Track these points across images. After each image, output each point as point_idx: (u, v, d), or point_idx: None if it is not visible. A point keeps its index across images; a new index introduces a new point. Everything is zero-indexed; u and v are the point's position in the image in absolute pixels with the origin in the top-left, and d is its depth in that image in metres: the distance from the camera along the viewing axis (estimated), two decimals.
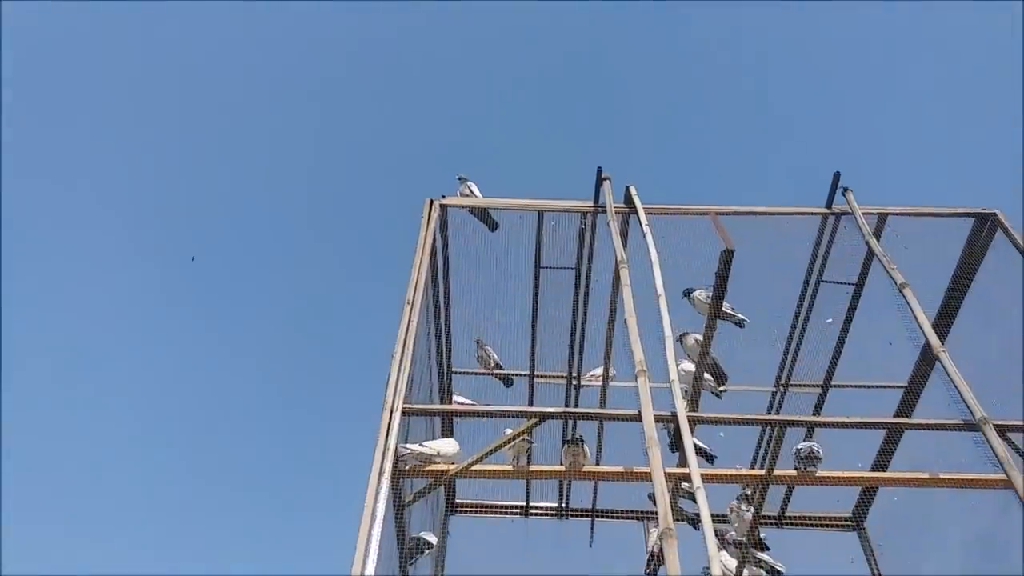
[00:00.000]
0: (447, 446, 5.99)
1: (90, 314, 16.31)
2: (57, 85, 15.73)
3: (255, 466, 16.84)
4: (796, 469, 6.35)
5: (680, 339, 7.34)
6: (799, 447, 6.37)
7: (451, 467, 5.91)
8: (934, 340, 6.28)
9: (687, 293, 7.38)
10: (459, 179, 7.82)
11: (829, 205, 7.54)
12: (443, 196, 7.54)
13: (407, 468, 5.75)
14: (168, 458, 16.16)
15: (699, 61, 18.13)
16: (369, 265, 17.62)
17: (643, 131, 18.30)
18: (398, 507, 5.68)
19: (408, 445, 5.78)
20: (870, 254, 7.30)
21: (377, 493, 4.99)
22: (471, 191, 7.75)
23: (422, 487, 5.98)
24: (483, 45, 18.09)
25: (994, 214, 7.24)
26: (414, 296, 6.45)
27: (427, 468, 5.86)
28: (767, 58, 17.61)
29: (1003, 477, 5.34)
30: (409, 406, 5.77)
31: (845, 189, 7.50)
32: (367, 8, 17.17)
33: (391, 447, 5.29)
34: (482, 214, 7.68)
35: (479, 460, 5.91)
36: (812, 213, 7.57)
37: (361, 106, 18.08)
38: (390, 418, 5.48)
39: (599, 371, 8.26)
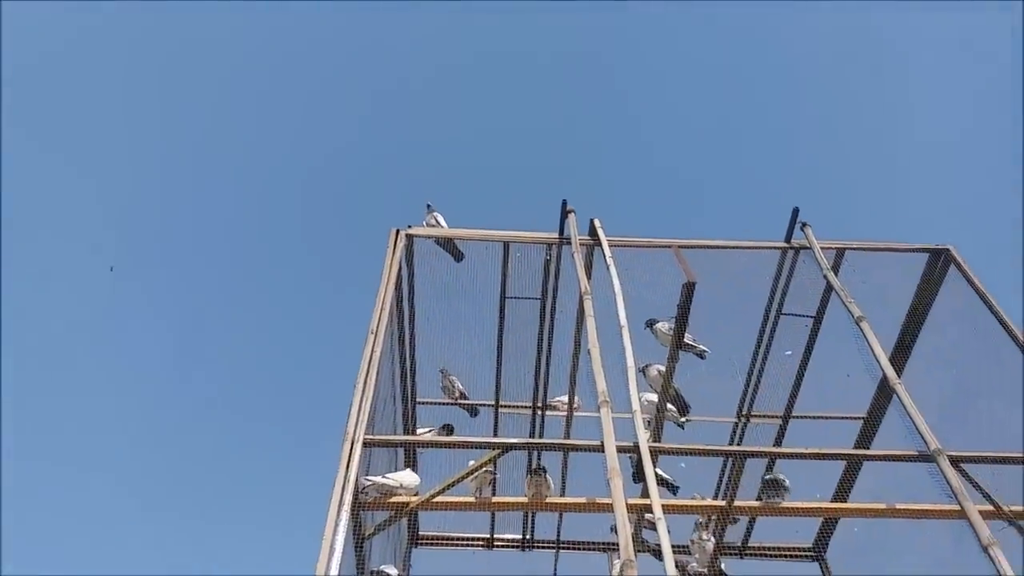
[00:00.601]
0: (409, 478, 5.95)
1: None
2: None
3: (222, 487, 16.57)
4: (760, 497, 6.40)
5: (643, 370, 7.40)
6: (765, 476, 6.43)
7: (413, 499, 5.86)
8: (890, 373, 6.40)
9: (650, 324, 7.46)
10: (427, 206, 7.86)
11: (788, 240, 7.69)
12: (409, 226, 7.56)
13: (369, 500, 5.69)
14: (129, 480, 15.85)
15: (660, 96, 18.51)
16: (335, 292, 17.57)
17: (607, 165, 18.58)
18: (358, 539, 5.61)
19: (370, 477, 5.73)
20: (828, 288, 7.45)
21: (336, 525, 4.94)
22: (437, 221, 7.79)
23: (383, 519, 5.92)
24: (451, 78, 18.29)
25: (947, 250, 7.43)
26: (378, 326, 6.44)
27: (389, 500, 5.80)
28: (727, 94, 18.03)
29: (957, 508, 5.44)
30: (371, 437, 5.73)
31: (803, 224, 7.66)
32: (338, 38, 17.36)
33: (351, 479, 5.23)
34: (448, 244, 7.71)
35: (442, 492, 5.87)
36: (772, 247, 7.72)
37: (328, 135, 18.16)
38: (351, 449, 5.44)
39: (565, 397, 8.29)
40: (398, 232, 7.43)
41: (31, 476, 14.56)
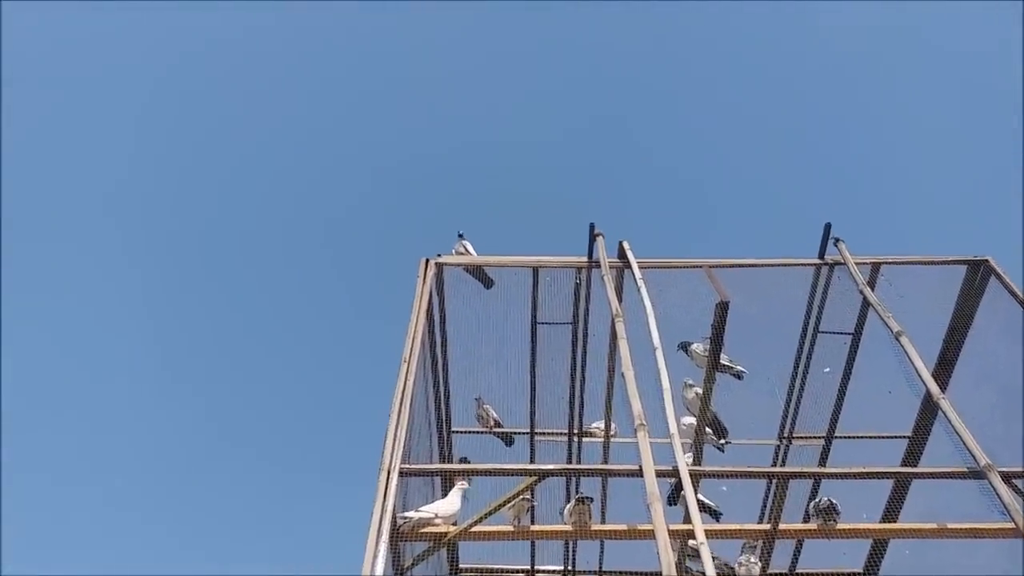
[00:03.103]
0: (445, 507, 5.88)
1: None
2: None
3: (254, 528, 16.60)
4: (811, 518, 6.22)
5: (682, 391, 7.31)
6: (818, 500, 6.26)
7: (451, 529, 5.79)
8: (934, 388, 6.25)
9: (684, 346, 7.38)
10: (459, 235, 7.90)
11: (822, 256, 7.59)
12: (438, 255, 7.60)
13: (407, 529, 5.65)
14: (166, 511, 15.96)
15: (684, 116, 18.53)
16: (366, 322, 17.69)
17: (633, 187, 18.58)
18: (398, 571, 5.56)
19: (406, 513, 5.69)
20: (866, 303, 7.31)
21: (375, 558, 4.90)
22: (466, 249, 7.83)
23: (422, 551, 5.86)
24: (477, 104, 18.46)
25: (986, 261, 7.27)
26: (410, 355, 6.44)
27: (426, 530, 5.75)
28: (755, 111, 17.97)
29: (1011, 525, 5.26)
30: (407, 466, 5.70)
31: (837, 239, 7.56)
32: (365, 69, 17.67)
33: (389, 508, 5.20)
34: (477, 272, 7.74)
35: (479, 521, 5.80)
36: (805, 264, 7.62)
37: (355, 165, 18.41)
38: (387, 479, 5.41)
39: (601, 423, 8.20)
40: (428, 261, 7.48)
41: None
